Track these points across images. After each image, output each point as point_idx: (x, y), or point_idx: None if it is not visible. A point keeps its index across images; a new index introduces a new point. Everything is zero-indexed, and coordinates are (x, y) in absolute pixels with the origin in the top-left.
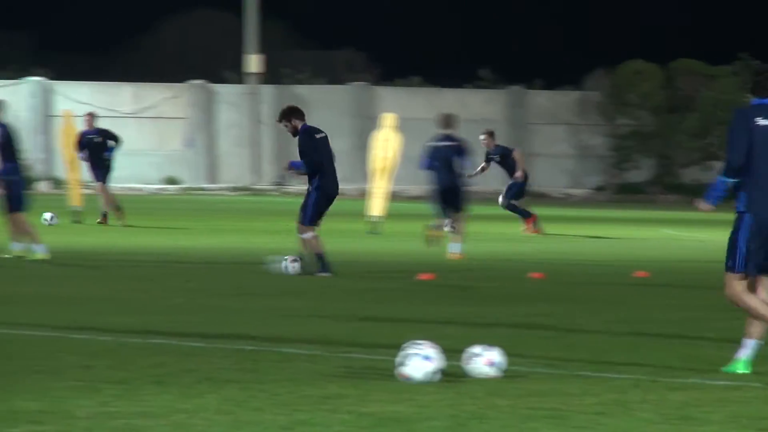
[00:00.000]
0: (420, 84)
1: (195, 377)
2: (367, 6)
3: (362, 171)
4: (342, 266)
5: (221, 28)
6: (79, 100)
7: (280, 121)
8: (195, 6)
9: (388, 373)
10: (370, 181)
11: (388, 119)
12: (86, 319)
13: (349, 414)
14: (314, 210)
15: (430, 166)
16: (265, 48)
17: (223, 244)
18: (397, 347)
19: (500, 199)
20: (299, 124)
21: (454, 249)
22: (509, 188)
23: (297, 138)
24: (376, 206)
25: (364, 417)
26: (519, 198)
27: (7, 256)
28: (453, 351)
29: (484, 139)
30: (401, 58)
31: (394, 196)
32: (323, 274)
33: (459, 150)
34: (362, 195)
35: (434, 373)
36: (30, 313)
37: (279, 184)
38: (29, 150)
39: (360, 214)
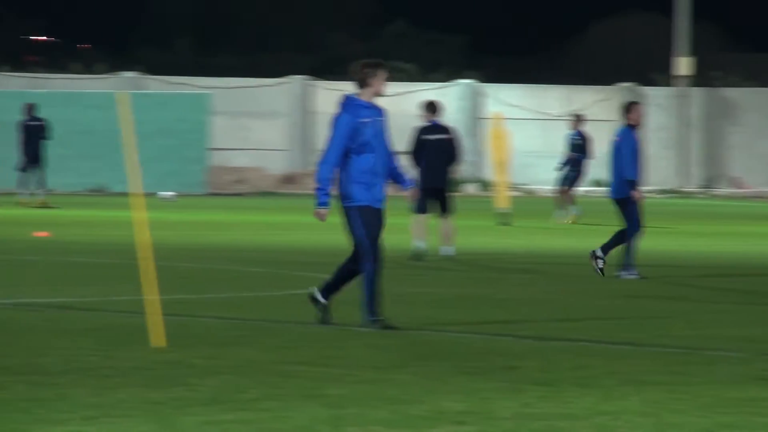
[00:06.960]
0: None
1: (618, 379)
2: None
3: None
4: None
5: (651, 30)
6: (509, 103)
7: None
8: (626, 8)
9: None
10: None
11: None
12: (513, 320)
13: None
14: None
15: None
16: (695, 50)
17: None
18: None
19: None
20: None
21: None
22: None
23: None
24: None
25: None
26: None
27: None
28: None
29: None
30: None
31: None
32: None
33: None
34: None
35: None
36: (461, 314)
37: (707, 186)
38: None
39: None
